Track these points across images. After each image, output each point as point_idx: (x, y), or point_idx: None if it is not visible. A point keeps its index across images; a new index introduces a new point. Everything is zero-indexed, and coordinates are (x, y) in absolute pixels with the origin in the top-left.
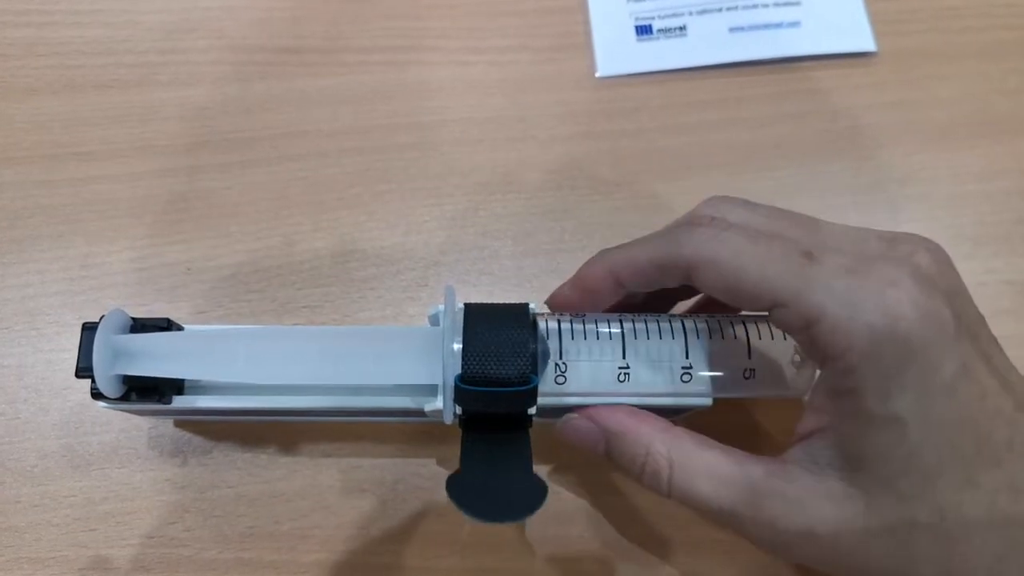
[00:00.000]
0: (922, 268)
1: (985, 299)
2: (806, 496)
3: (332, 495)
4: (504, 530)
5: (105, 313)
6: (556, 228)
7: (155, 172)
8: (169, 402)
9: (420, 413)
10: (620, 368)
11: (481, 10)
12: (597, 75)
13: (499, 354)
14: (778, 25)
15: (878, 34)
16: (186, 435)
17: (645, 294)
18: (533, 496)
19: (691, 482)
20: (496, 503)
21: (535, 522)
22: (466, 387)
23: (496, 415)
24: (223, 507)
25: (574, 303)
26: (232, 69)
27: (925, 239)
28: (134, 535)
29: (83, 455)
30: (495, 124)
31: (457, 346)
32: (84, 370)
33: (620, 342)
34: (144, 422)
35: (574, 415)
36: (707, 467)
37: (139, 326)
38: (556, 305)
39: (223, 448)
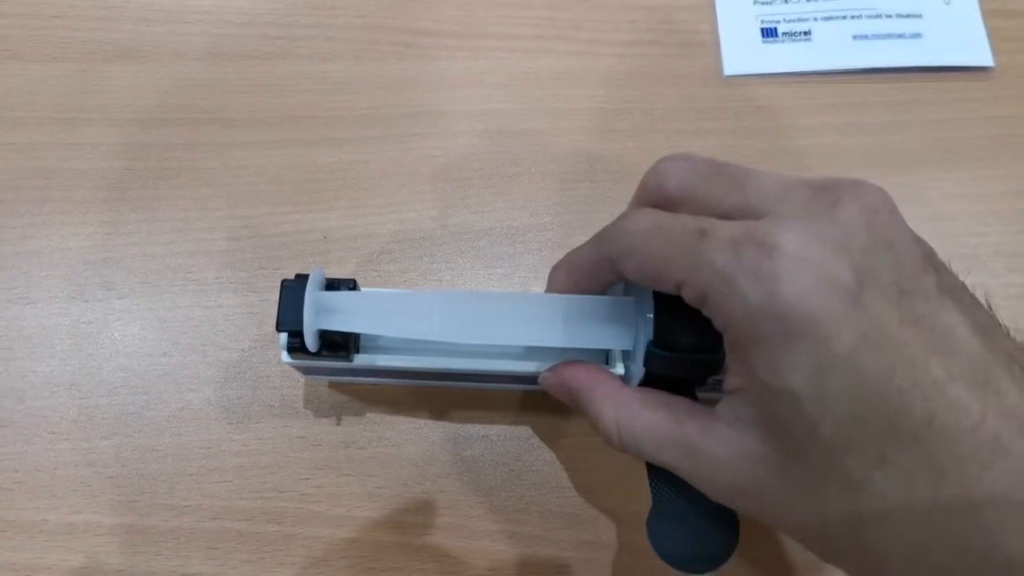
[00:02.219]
0: (837, 221)
1: None
2: (732, 455)
3: (462, 463)
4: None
5: (305, 271)
6: None
7: (295, 142)
8: (352, 359)
9: None
10: None
11: (613, 3)
12: (724, 74)
13: (690, 321)
14: (900, 35)
15: (996, 50)
16: (325, 397)
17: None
18: (723, 544)
19: (637, 442)
20: (689, 547)
21: None
22: (659, 352)
23: (675, 383)
24: (355, 466)
25: None
26: (371, 47)
27: (861, 184)
28: (266, 488)
29: (220, 408)
30: (622, 115)
31: (649, 315)
32: (289, 324)
33: None
34: (283, 382)
35: (546, 371)
36: (648, 427)
37: (331, 285)
38: None
39: (361, 410)
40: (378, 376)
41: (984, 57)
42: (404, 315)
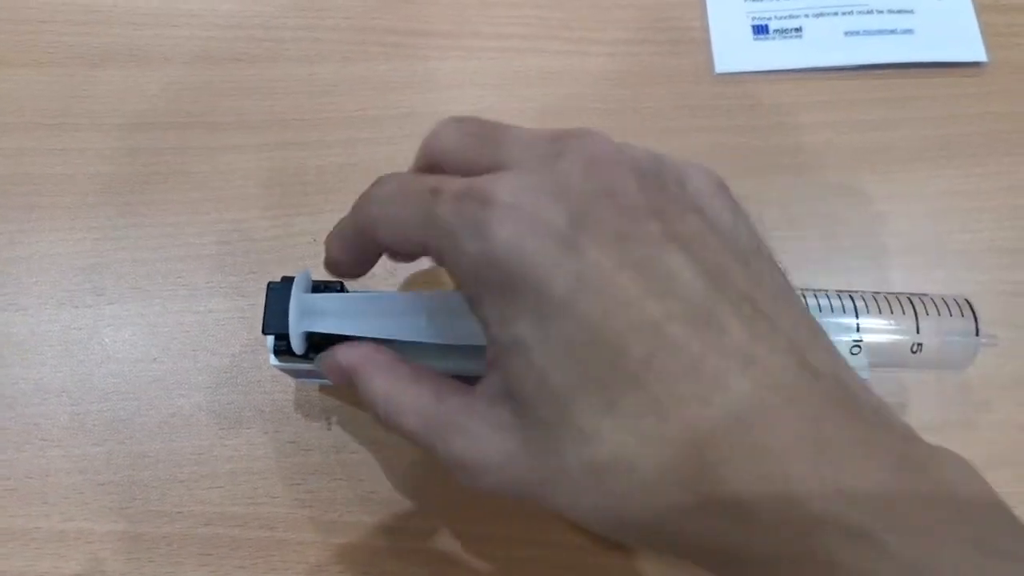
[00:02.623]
0: (557, 171)
1: None
2: (482, 430)
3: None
4: None
5: (292, 274)
6: None
7: (284, 145)
8: None
9: None
10: None
11: (603, 2)
12: (715, 72)
13: None
14: (892, 31)
15: (989, 45)
16: (316, 401)
17: None
18: None
19: (399, 418)
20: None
21: None
22: None
23: None
24: (348, 470)
25: (341, 271)
26: (359, 49)
27: (589, 134)
28: (258, 494)
29: (211, 414)
30: (613, 115)
31: None
32: (275, 327)
33: None
34: (274, 387)
35: (326, 352)
36: (413, 402)
37: (318, 288)
38: (331, 272)
39: (353, 414)
40: None
41: (977, 52)
42: (391, 316)
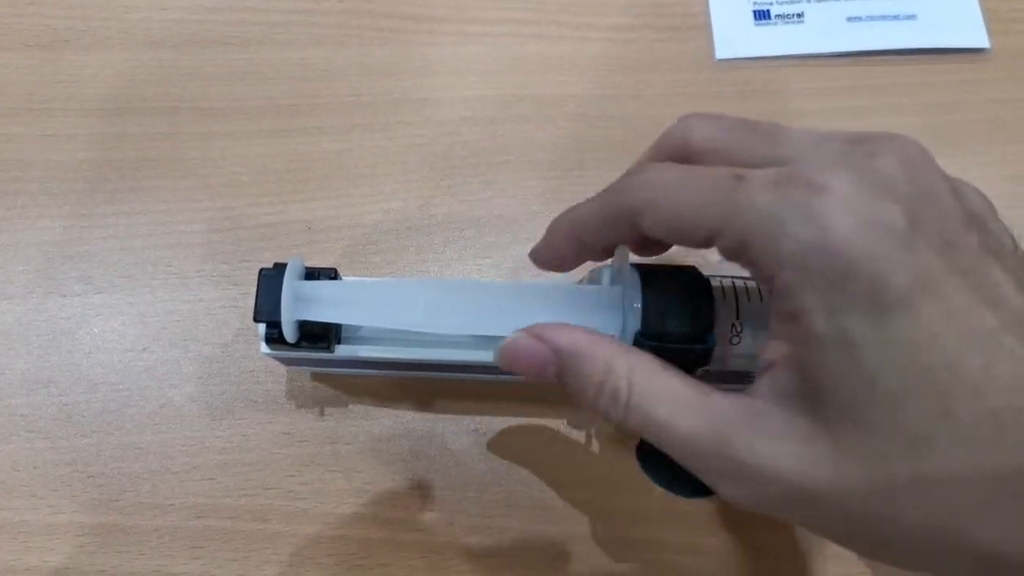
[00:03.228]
0: (878, 170)
1: None
2: (773, 434)
3: (450, 456)
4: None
5: (284, 261)
6: None
7: (277, 131)
8: (333, 350)
9: None
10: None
11: None
12: (716, 58)
13: (679, 312)
14: (895, 17)
15: (992, 32)
16: (308, 391)
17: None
18: None
19: (650, 404)
20: (682, 474)
21: None
22: (647, 342)
23: None
24: (342, 462)
25: (551, 263)
26: (353, 33)
27: (898, 137)
28: (251, 485)
29: (203, 404)
30: (612, 101)
31: (637, 304)
32: (266, 315)
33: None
34: (267, 377)
35: (520, 334)
36: (668, 390)
37: (311, 275)
38: (537, 263)
39: (346, 404)
40: (362, 367)
41: (980, 39)
42: (385, 305)
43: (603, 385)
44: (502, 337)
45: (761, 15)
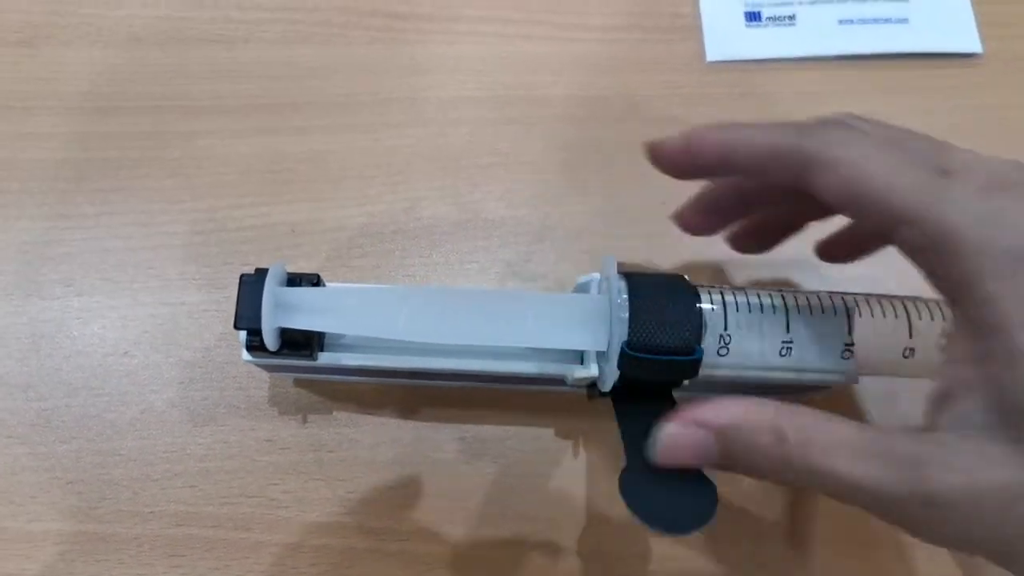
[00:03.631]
0: None
1: None
2: (968, 463)
3: (434, 465)
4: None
5: (265, 267)
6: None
7: (261, 130)
8: (315, 358)
9: (558, 381)
10: (784, 342)
11: None
12: (707, 60)
13: (666, 323)
14: (887, 20)
15: (984, 36)
16: (291, 397)
17: (742, 207)
18: (703, 502)
19: (826, 459)
20: (668, 507)
21: None
22: (634, 354)
23: (650, 384)
24: (325, 470)
25: (680, 165)
26: (340, 32)
27: None
28: (233, 493)
29: (184, 410)
30: (601, 103)
31: (624, 315)
32: (247, 322)
33: (784, 315)
34: (250, 382)
35: (671, 425)
36: (841, 440)
37: (293, 281)
38: (661, 158)
39: (329, 411)
40: (345, 374)
41: (972, 43)
42: (368, 313)
43: (774, 453)
44: (487, 347)
45: (752, 17)
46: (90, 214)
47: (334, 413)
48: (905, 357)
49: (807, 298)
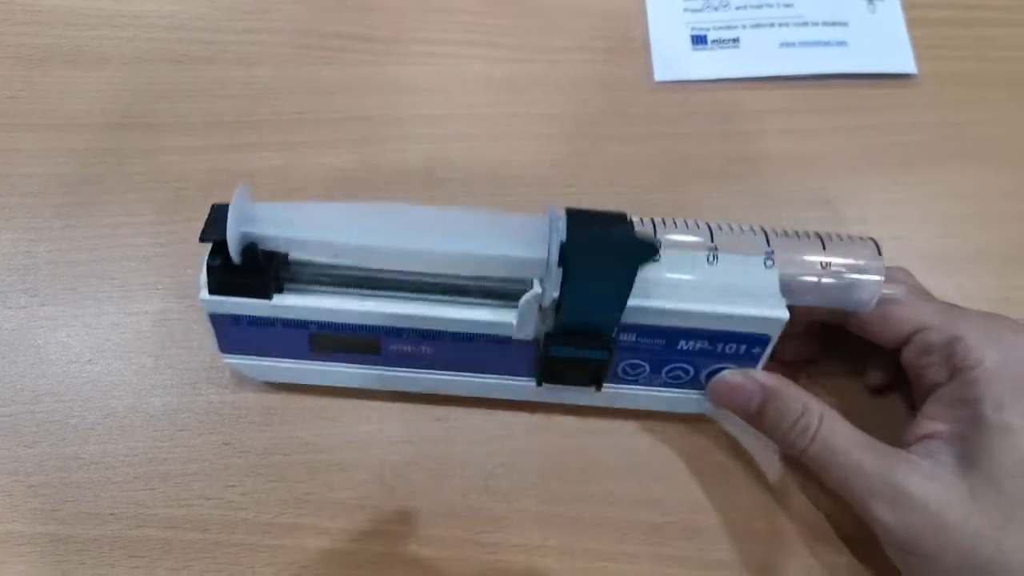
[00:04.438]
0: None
1: (1011, 312)
2: (925, 476)
3: (390, 468)
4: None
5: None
6: None
7: (222, 147)
8: (270, 298)
9: (515, 296)
10: (708, 249)
11: (543, 11)
12: (655, 80)
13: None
14: (826, 43)
15: (919, 57)
16: (250, 402)
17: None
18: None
19: (834, 438)
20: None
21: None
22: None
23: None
24: (282, 472)
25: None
26: (300, 52)
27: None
28: (192, 495)
29: (145, 415)
30: (553, 121)
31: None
32: (212, 233)
33: (708, 230)
34: (209, 388)
35: (727, 373)
36: (848, 432)
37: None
38: None
39: (289, 417)
40: (300, 328)
41: (907, 64)
42: (329, 223)
43: (798, 420)
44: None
45: (698, 40)
46: (56, 227)
47: (292, 419)
48: (823, 268)
49: (729, 224)
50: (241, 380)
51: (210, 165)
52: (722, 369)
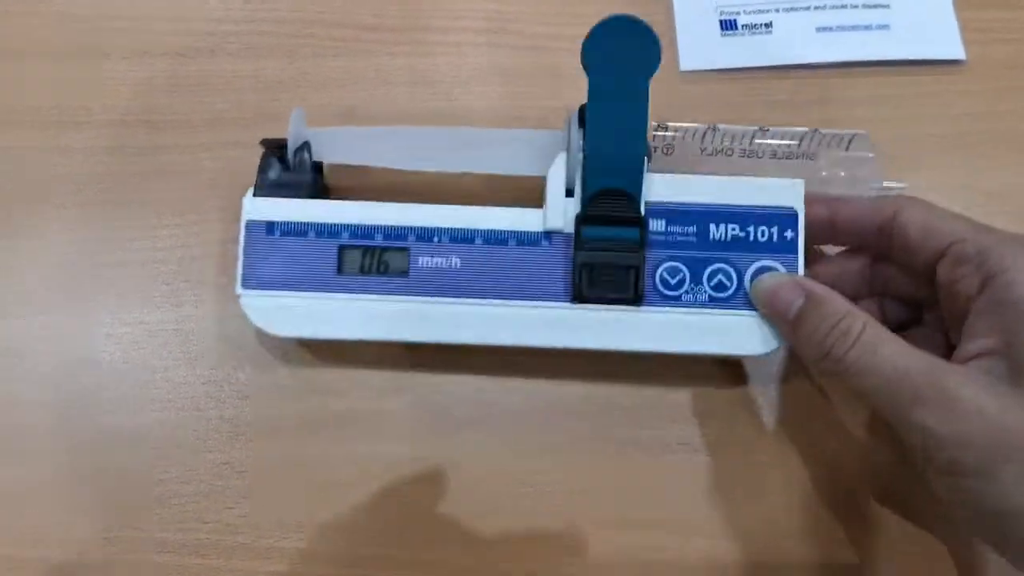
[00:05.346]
0: None
1: None
2: (979, 385)
3: (392, 492)
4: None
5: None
6: None
7: (225, 144)
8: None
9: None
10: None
11: None
12: (681, 69)
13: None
14: (867, 27)
15: (967, 42)
16: (247, 419)
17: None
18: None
19: (878, 340)
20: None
21: None
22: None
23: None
24: (282, 495)
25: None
26: (306, 43)
27: None
28: (189, 519)
29: (142, 433)
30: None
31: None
32: (271, 142)
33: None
34: (207, 403)
35: (771, 274)
36: (893, 338)
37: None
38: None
39: (288, 436)
40: (333, 289)
41: (955, 50)
42: (379, 144)
43: (839, 324)
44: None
45: (728, 25)
46: (53, 230)
47: (294, 440)
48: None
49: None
50: (241, 394)
51: (213, 164)
52: (764, 271)
